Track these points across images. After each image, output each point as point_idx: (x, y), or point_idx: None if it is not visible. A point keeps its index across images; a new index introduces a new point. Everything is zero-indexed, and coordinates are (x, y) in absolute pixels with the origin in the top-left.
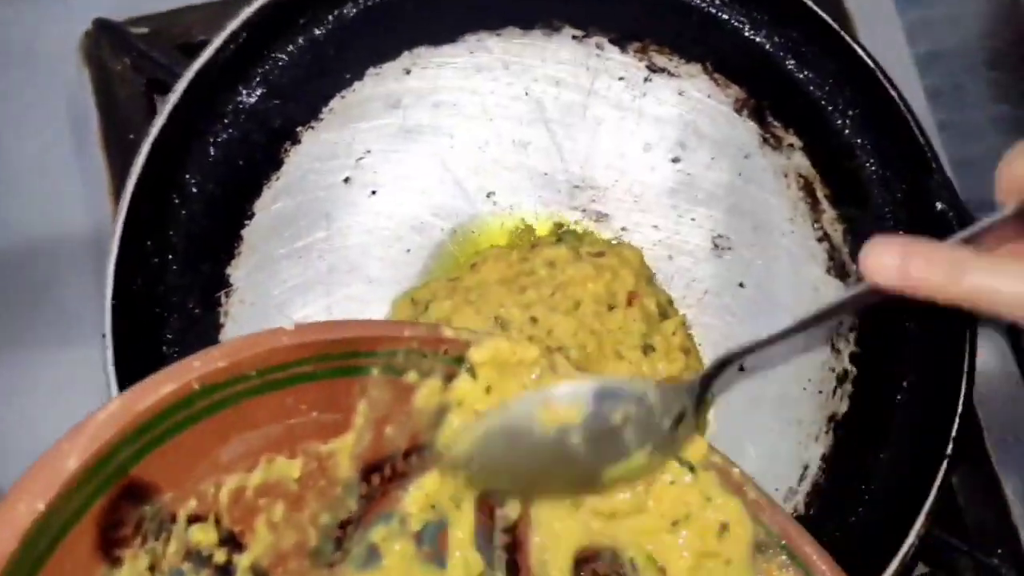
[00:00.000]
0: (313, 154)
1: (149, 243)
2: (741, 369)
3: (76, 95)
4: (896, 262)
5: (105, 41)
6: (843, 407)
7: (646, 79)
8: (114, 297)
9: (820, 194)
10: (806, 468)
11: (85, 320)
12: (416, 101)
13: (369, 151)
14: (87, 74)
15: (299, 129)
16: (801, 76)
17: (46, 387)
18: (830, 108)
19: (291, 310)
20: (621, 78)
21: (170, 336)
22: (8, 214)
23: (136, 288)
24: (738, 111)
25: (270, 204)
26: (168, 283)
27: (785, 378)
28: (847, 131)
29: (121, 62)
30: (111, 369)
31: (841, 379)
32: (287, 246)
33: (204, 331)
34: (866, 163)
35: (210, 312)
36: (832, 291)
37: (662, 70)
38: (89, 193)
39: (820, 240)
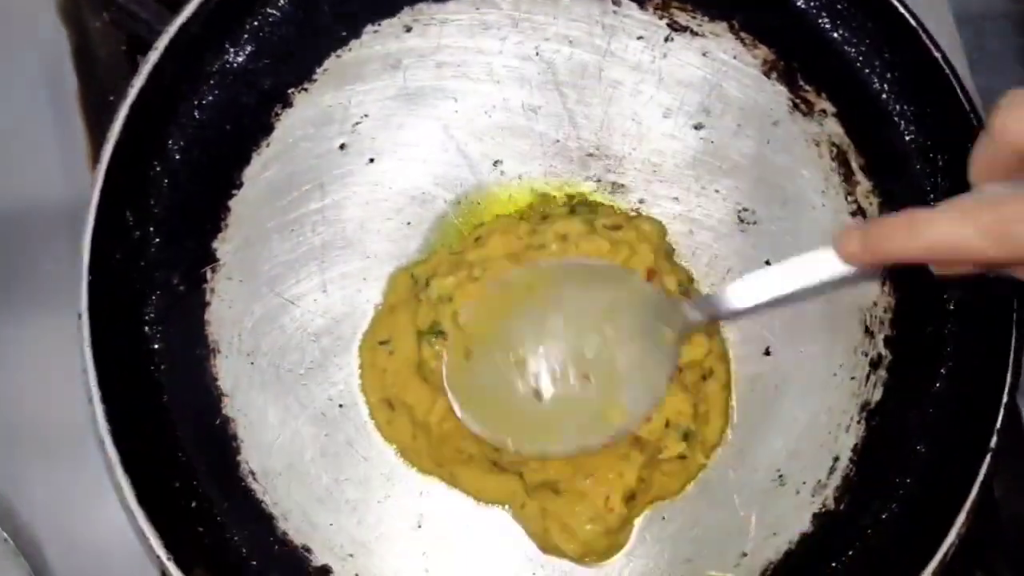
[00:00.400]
0: (306, 119)
1: (129, 214)
2: (767, 353)
3: (52, 54)
4: (857, 239)
5: None
6: (877, 395)
7: (667, 39)
8: (91, 273)
9: (855, 164)
10: (836, 460)
11: (62, 294)
12: (417, 61)
13: (367, 115)
14: (64, 32)
15: (291, 91)
16: (835, 35)
17: (21, 364)
18: (867, 70)
19: (282, 287)
20: (640, 37)
21: (152, 315)
22: None
23: (115, 263)
24: (766, 74)
25: (260, 173)
26: (149, 257)
27: (813, 363)
28: (885, 96)
29: (100, 18)
30: (88, 351)
31: (875, 364)
32: (278, 218)
33: (188, 310)
34: (905, 131)
35: (195, 289)
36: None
37: (684, 29)
38: (67, 159)
39: (854, 214)
